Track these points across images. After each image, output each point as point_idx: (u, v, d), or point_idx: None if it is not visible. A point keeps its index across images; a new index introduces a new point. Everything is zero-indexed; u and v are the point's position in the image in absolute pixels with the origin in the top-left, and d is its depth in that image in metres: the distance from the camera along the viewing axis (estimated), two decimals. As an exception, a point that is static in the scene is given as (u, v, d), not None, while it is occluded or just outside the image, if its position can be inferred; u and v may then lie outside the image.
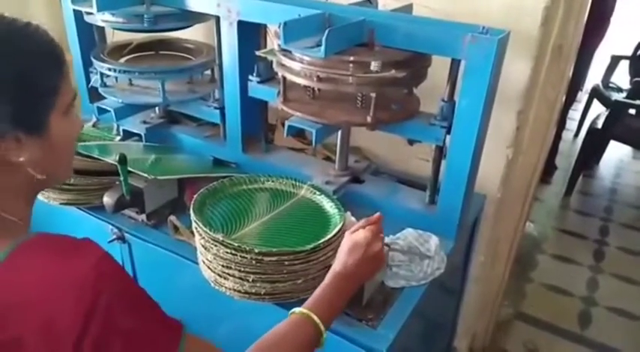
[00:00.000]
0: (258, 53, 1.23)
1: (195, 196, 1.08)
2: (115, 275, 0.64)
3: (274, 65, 1.20)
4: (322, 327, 0.79)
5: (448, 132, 1.12)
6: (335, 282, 0.85)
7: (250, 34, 1.28)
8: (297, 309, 0.81)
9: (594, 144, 3.15)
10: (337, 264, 0.87)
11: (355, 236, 0.89)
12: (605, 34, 2.96)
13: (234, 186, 1.17)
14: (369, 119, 1.12)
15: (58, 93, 0.66)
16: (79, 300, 0.59)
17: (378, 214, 0.94)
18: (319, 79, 1.09)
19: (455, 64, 1.08)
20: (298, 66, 1.10)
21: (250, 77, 1.32)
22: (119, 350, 0.61)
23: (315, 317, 0.78)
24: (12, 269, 0.61)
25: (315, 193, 1.17)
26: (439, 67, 1.12)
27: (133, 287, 0.68)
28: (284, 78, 1.17)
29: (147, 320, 0.66)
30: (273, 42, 1.18)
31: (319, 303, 0.82)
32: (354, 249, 0.87)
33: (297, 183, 1.19)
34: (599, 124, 3.03)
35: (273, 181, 1.20)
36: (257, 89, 1.32)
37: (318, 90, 1.20)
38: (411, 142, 1.24)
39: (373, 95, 1.09)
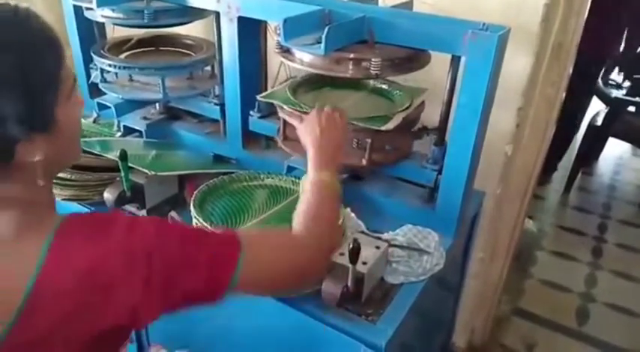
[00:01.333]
0: (260, 97, 1.28)
1: (195, 192, 1.08)
2: (150, 230, 0.66)
3: (276, 105, 1.24)
4: (339, 186, 0.91)
5: (439, 173, 1.17)
6: (320, 149, 0.95)
7: (250, 30, 1.28)
8: (316, 179, 0.90)
9: (593, 141, 3.16)
10: (309, 147, 0.96)
11: (306, 126, 1.00)
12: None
13: (234, 182, 1.17)
14: (364, 161, 1.19)
15: (60, 83, 0.64)
16: (132, 267, 0.63)
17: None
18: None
19: (455, 61, 1.08)
20: (298, 112, 1.15)
21: (251, 112, 1.36)
22: (182, 276, 0.66)
23: (333, 180, 0.90)
24: (59, 254, 0.62)
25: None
26: (439, 64, 1.13)
27: (172, 228, 0.71)
28: (284, 119, 1.22)
29: (202, 247, 0.69)
30: (274, 38, 1.18)
31: (325, 164, 0.92)
32: (307, 125, 0.99)
33: (297, 180, 1.20)
34: (599, 121, 3.04)
35: (273, 178, 1.21)
36: (258, 124, 1.37)
37: None
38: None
39: (369, 141, 1.16)
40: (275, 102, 1.24)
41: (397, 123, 1.13)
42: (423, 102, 1.25)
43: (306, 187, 0.90)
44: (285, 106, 1.20)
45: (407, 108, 1.20)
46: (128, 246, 0.63)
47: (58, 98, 0.64)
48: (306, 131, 0.99)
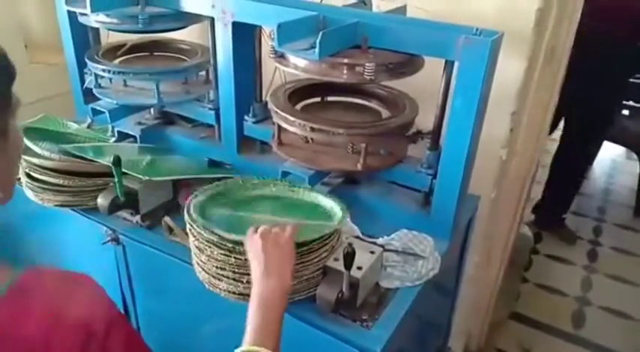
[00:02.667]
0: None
1: (189, 198, 1.08)
2: (108, 312, 0.66)
3: (270, 110, 1.24)
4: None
5: (434, 178, 1.17)
6: (263, 303, 0.82)
7: (245, 35, 1.28)
8: (242, 349, 0.78)
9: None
10: (255, 284, 0.85)
11: (251, 244, 0.89)
12: None
13: (230, 189, 1.17)
14: (359, 166, 1.20)
15: (12, 98, 0.66)
16: (75, 339, 0.60)
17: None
18: (312, 129, 1.15)
19: (449, 66, 1.09)
20: (292, 117, 1.17)
21: (246, 117, 1.37)
22: None
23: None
24: (12, 305, 0.60)
25: (313, 195, 1.17)
26: (434, 69, 1.13)
27: (125, 324, 0.70)
28: (279, 124, 1.23)
29: None
30: (268, 43, 1.18)
31: (263, 334, 0.79)
32: (257, 265, 0.86)
33: (295, 188, 1.18)
34: (593, 125, 3.05)
35: (270, 185, 1.19)
36: (252, 129, 1.37)
37: (311, 137, 1.24)
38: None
39: (363, 145, 1.16)
40: (271, 107, 1.23)
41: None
42: (417, 107, 1.25)
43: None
44: (279, 111, 1.20)
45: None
46: (79, 323, 0.61)
47: (10, 110, 0.66)
48: (251, 256, 0.90)
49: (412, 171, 1.22)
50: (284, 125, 1.21)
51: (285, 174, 1.25)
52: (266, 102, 1.33)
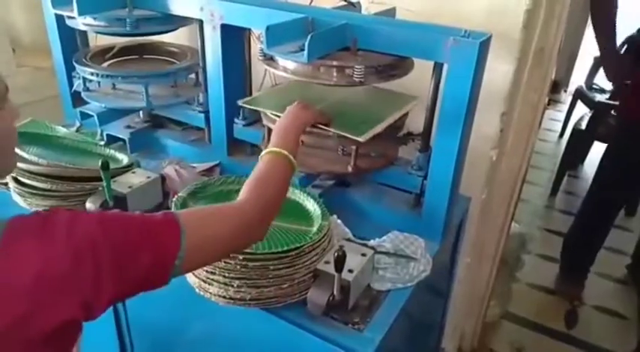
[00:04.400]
0: (240, 103, 1.27)
1: (174, 198, 1.07)
2: (94, 222, 0.66)
3: (261, 112, 1.24)
4: (293, 160, 0.92)
5: (425, 179, 1.17)
6: (285, 128, 0.98)
7: (234, 37, 1.28)
8: (269, 150, 0.92)
9: (578, 145, 3.19)
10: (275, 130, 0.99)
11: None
12: None
13: (214, 186, 1.17)
14: (350, 168, 1.19)
15: None
16: (79, 263, 0.62)
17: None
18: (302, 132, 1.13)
19: (437, 68, 1.09)
20: None
21: (236, 120, 1.36)
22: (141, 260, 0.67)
23: (287, 153, 0.91)
24: (7, 259, 0.61)
25: (299, 196, 1.17)
26: (424, 71, 1.13)
27: (115, 218, 0.70)
28: (268, 127, 1.22)
29: (143, 235, 0.69)
30: (257, 46, 1.18)
31: (283, 142, 0.94)
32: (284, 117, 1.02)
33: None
34: (583, 125, 3.07)
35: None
36: (242, 131, 1.37)
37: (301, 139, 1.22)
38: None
39: (354, 147, 1.16)
40: (257, 108, 1.23)
41: (374, 134, 1.12)
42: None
43: (267, 158, 0.92)
44: (268, 112, 1.20)
45: (387, 120, 1.19)
46: (73, 243, 0.63)
47: None
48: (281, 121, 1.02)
49: (403, 172, 1.23)
50: (273, 127, 1.20)
51: None
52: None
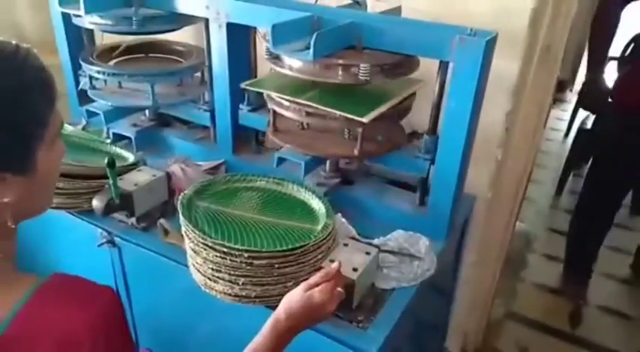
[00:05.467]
0: (244, 85, 1.26)
1: (180, 196, 1.07)
2: (116, 328, 0.65)
3: (265, 96, 1.22)
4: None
5: (432, 163, 1.16)
6: (278, 333, 0.82)
7: (240, 36, 1.28)
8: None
9: (584, 144, 3.18)
10: (283, 314, 0.83)
11: (310, 296, 0.83)
12: None
13: (219, 184, 1.17)
14: (356, 152, 1.16)
15: (46, 127, 0.62)
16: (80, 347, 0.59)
17: (335, 265, 0.89)
18: (308, 114, 1.13)
19: (443, 66, 1.09)
20: (288, 102, 1.14)
21: (241, 106, 1.35)
22: None
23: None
24: (30, 314, 0.59)
25: (303, 194, 1.17)
26: (429, 69, 1.13)
27: (128, 341, 0.68)
28: (274, 110, 1.20)
29: None
30: (263, 44, 1.18)
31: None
32: (307, 309, 0.82)
33: (285, 183, 1.19)
34: (589, 125, 3.05)
35: (261, 180, 1.20)
36: (248, 117, 1.35)
37: (307, 123, 1.22)
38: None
39: (360, 130, 1.13)
40: (261, 90, 1.22)
41: (377, 115, 1.09)
42: (413, 93, 1.22)
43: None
44: (272, 94, 1.18)
45: (390, 102, 1.16)
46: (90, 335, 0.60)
47: (43, 142, 0.62)
48: (301, 307, 0.84)
49: (410, 156, 1.20)
50: (279, 110, 1.18)
51: (280, 160, 1.24)
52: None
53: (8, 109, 0.57)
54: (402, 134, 1.26)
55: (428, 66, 1.14)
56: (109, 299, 0.65)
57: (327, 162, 1.35)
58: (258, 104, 1.35)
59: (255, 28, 1.32)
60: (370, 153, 1.20)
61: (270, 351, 0.81)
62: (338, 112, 1.09)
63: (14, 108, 0.58)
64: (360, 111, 1.09)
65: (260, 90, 1.23)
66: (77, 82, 1.55)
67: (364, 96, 1.18)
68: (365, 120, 1.07)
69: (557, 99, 4.16)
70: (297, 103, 1.14)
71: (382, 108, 1.12)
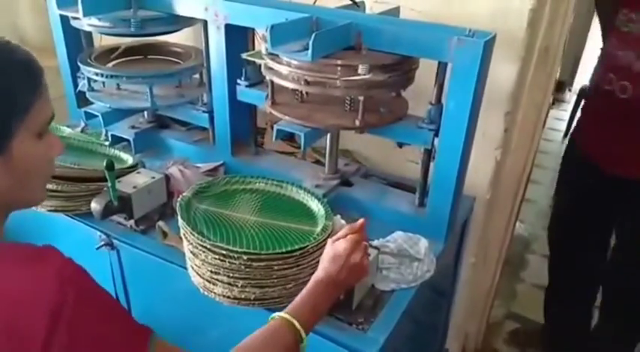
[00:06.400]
0: (244, 56, 1.24)
1: (179, 198, 1.07)
2: (79, 280, 0.63)
3: (262, 69, 1.20)
4: (303, 334, 0.79)
5: (436, 134, 1.13)
6: (317, 288, 0.85)
7: (238, 37, 1.28)
8: (278, 314, 0.81)
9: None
10: (320, 271, 0.88)
11: (336, 246, 0.89)
12: None
13: (218, 186, 1.17)
14: (357, 122, 1.13)
15: (27, 112, 0.63)
16: (42, 306, 0.57)
17: (361, 221, 0.94)
18: (307, 83, 1.10)
19: (442, 67, 1.09)
20: (286, 70, 1.10)
21: (239, 81, 1.32)
22: None
23: (297, 324, 0.79)
24: None
25: (302, 195, 1.17)
26: (427, 70, 1.13)
27: (98, 293, 0.65)
28: (272, 82, 1.18)
29: (114, 327, 0.65)
30: (261, 45, 1.18)
31: (301, 309, 0.82)
32: (335, 259, 0.87)
33: (284, 185, 1.19)
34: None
35: (260, 182, 1.20)
36: (245, 93, 1.33)
37: (307, 93, 1.20)
38: (400, 145, 1.24)
39: (361, 98, 1.10)
40: (260, 61, 1.20)
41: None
42: (416, 65, 1.16)
43: (272, 323, 0.80)
44: (270, 62, 1.14)
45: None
46: (45, 287, 0.59)
47: (22, 127, 0.63)
48: (329, 257, 0.88)
49: (413, 127, 1.16)
50: (277, 81, 1.15)
51: (280, 132, 1.20)
52: (259, 65, 1.26)
53: None
54: (404, 105, 1.22)
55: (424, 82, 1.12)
56: (60, 255, 0.64)
57: (326, 164, 1.34)
58: (256, 80, 1.32)
59: (253, 30, 1.32)
60: (372, 124, 1.15)
61: (310, 308, 0.83)
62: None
63: None
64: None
65: (260, 61, 1.20)
66: (75, 84, 1.55)
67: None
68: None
69: (556, 100, 4.17)
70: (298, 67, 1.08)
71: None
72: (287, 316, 0.80)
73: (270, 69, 1.15)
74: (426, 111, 1.14)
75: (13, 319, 0.57)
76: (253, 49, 1.36)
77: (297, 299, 0.84)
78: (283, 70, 1.11)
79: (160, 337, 0.70)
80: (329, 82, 1.07)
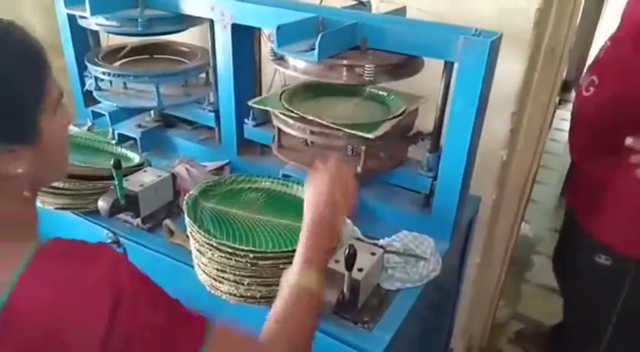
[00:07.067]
0: (251, 103, 1.27)
1: (185, 197, 1.08)
2: (132, 274, 0.64)
3: (270, 113, 1.24)
4: (323, 290, 0.81)
5: (434, 180, 1.17)
6: (313, 228, 0.84)
7: (244, 37, 1.28)
8: (293, 279, 0.79)
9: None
10: (308, 212, 0.86)
11: (314, 188, 0.88)
12: None
13: (225, 185, 1.17)
14: (359, 169, 1.18)
15: (44, 96, 0.64)
16: (100, 300, 0.59)
17: (333, 158, 0.93)
18: (312, 132, 1.14)
19: (448, 67, 1.09)
20: (292, 120, 1.16)
21: (246, 120, 1.37)
22: (144, 347, 0.61)
23: (316, 288, 0.79)
24: (32, 277, 0.59)
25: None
26: (433, 72, 1.13)
27: (151, 285, 0.67)
28: (279, 128, 1.22)
29: (169, 317, 0.66)
30: (267, 45, 1.19)
31: (312, 256, 0.82)
32: (318, 195, 0.87)
33: (290, 184, 1.20)
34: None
35: (266, 181, 1.21)
36: (253, 132, 1.37)
37: (311, 141, 1.23)
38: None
39: (363, 148, 1.15)
40: (266, 108, 1.23)
41: (385, 131, 1.11)
42: (416, 109, 1.25)
43: (286, 287, 0.80)
44: (277, 112, 1.20)
45: (396, 116, 1.18)
46: (101, 282, 0.60)
47: (42, 110, 0.64)
48: (313, 193, 0.88)
49: (413, 173, 1.22)
50: (284, 128, 1.21)
51: (285, 177, 1.26)
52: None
53: (3, 87, 0.60)
54: (404, 150, 1.27)
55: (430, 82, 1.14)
56: (111, 252, 0.65)
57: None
58: (263, 119, 1.37)
59: (259, 29, 1.33)
60: (373, 171, 1.22)
61: (318, 258, 0.82)
62: (346, 131, 1.11)
63: (7, 86, 0.60)
64: (367, 128, 1.11)
65: (266, 109, 1.24)
66: (83, 83, 1.56)
67: (370, 113, 1.23)
68: (372, 136, 1.09)
69: (563, 100, 4.15)
70: (304, 121, 1.15)
71: (388, 125, 1.13)
72: (304, 278, 0.79)
73: (277, 117, 1.20)
74: (424, 159, 1.19)
75: (74, 316, 0.58)
76: (260, 48, 1.37)
77: (301, 251, 0.83)
78: (290, 119, 1.17)
79: (217, 321, 0.72)
80: (332, 133, 1.13)
